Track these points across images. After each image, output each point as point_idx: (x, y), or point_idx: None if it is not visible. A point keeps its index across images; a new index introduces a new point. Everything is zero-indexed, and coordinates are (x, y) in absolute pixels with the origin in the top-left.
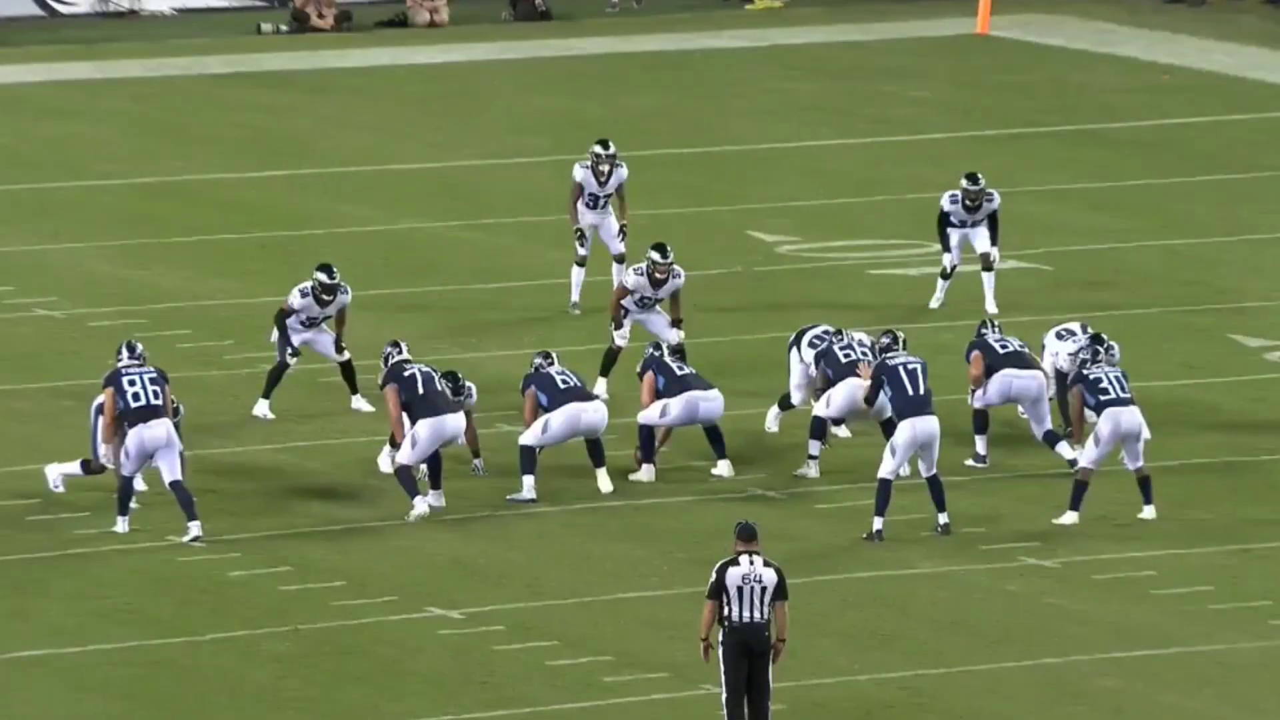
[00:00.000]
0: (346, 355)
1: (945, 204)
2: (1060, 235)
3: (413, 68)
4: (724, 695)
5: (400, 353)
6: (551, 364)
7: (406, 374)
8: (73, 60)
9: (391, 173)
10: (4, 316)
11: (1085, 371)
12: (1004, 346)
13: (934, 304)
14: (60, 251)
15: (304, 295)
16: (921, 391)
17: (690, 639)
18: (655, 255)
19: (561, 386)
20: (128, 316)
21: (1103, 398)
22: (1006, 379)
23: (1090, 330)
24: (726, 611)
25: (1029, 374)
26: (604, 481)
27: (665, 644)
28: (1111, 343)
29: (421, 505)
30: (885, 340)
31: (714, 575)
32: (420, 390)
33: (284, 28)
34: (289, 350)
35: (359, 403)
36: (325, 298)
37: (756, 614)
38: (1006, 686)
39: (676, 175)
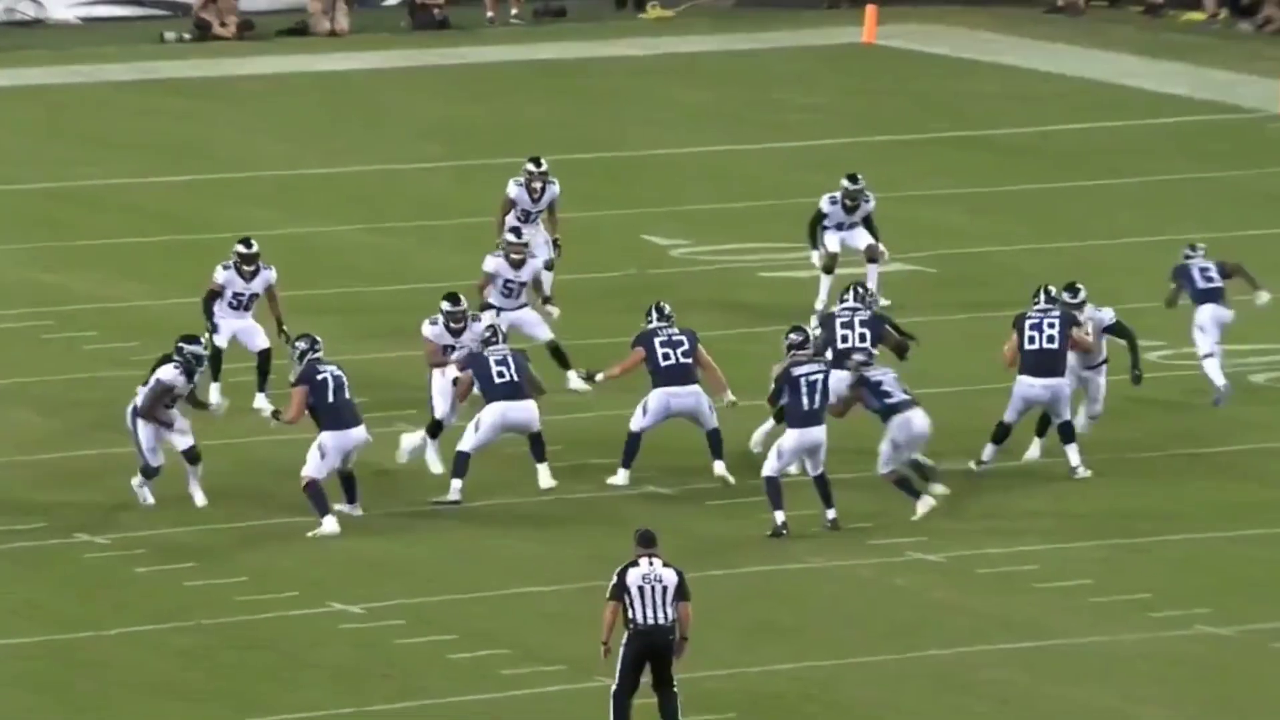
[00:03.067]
0: (266, 343)
1: (824, 206)
2: (945, 238)
3: (314, 75)
4: (613, 688)
5: (315, 351)
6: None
7: (319, 377)
8: None
9: (295, 177)
10: None
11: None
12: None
13: (819, 305)
14: None
15: (226, 269)
16: (816, 405)
17: (585, 633)
18: (510, 236)
19: (497, 380)
20: (36, 318)
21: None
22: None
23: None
24: (630, 614)
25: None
26: (545, 478)
27: (562, 637)
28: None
29: (330, 524)
30: (796, 338)
31: (615, 578)
32: (330, 398)
33: (187, 36)
34: (210, 328)
35: (261, 402)
36: (246, 268)
37: (660, 615)
38: (894, 678)
39: (572, 181)
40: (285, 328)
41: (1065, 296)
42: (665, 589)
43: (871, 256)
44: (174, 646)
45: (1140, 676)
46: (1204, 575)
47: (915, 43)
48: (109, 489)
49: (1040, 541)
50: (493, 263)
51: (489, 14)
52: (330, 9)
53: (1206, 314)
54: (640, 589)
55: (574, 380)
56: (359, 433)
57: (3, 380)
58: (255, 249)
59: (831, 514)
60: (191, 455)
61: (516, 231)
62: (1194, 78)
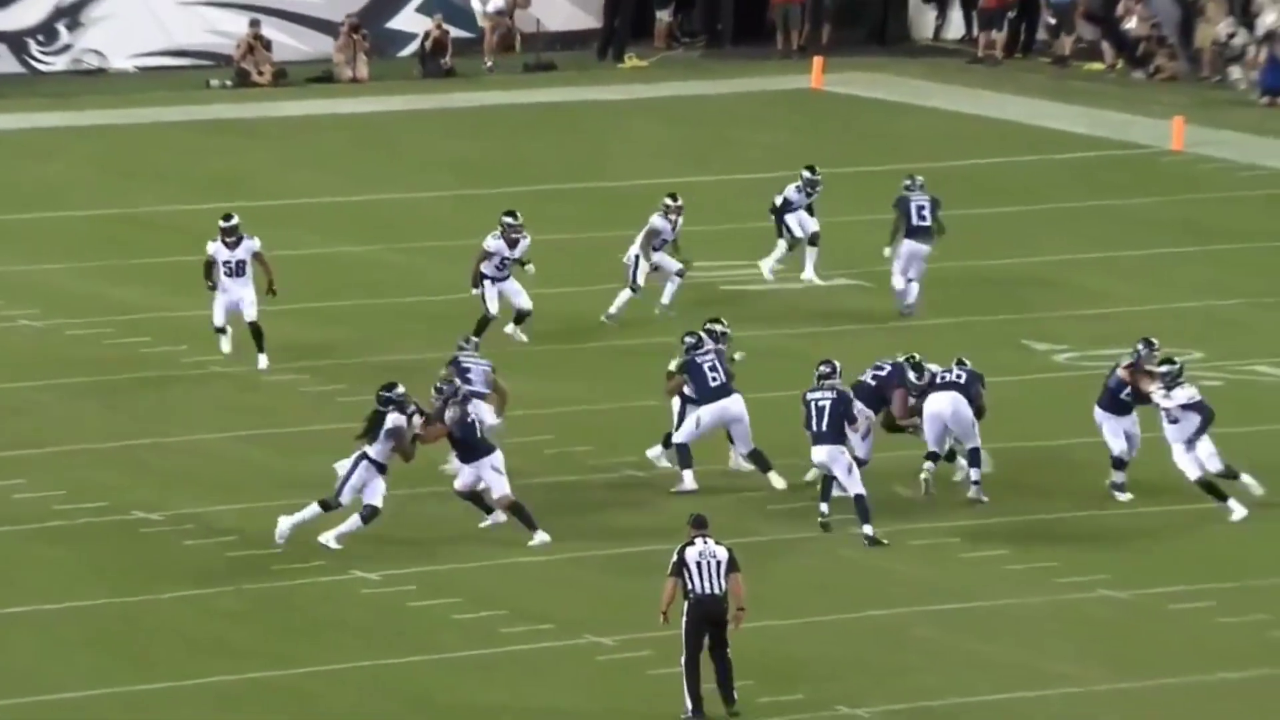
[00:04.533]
0: (255, 313)
1: (790, 193)
2: (881, 258)
3: (338, 116)
4: (683, 658)
5: (458, 394)
6: (704, 348)
7: (451, 415)
8: (50, 110)
9: (323, 204)
10: None
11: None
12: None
13: (805, 276)
14: (40, 271)
15: (213, 242)
16: (825, 427)
17: (575, 595)
18: (508, 219)
19: (712, 384)
20: (102, 325)
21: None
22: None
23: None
24: (690, 587)
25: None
26: (777, 480)
27: (552, 600)
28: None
29: (541, 535)
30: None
31: (675, 556)
32: (460, 434)
33: (228, 83)
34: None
35: (264, 362)
36: (228, 240)
37: (715, 587)
38: (842, 634)
39: (562, 207)
40: (274, 288)
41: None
42: (719, 563)
43: (813, 240)
44: (220, 609)
45: (1048, 634)
46: (1104, 547)
47: (856, 88)
48: (161, 472)
49: (964, 519)
50: (494, 243)
51: (488, 63)
52: (352, 59)
53: (909, 248)
54: (697, 564)
55: None
56: (495, 457)
57: (74, 378)
58: (235, 221)
59: (869, 530)
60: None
61: (513, 214)
62: (1095, 119)
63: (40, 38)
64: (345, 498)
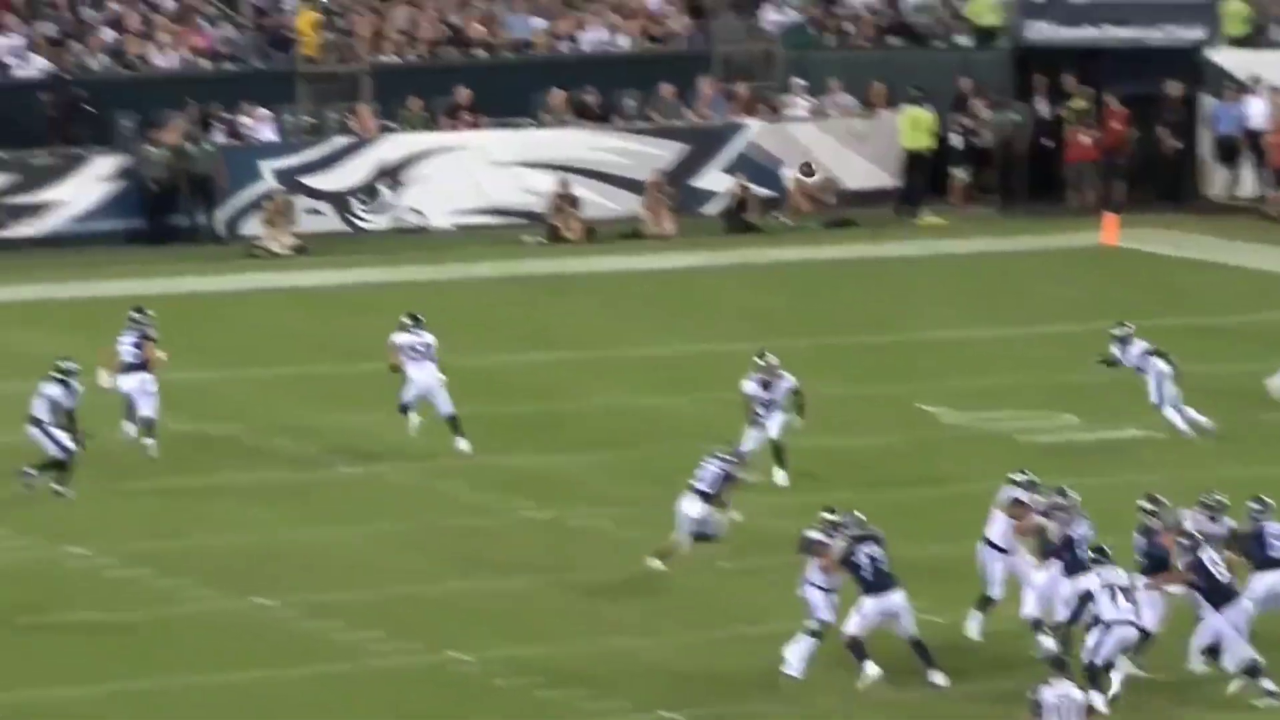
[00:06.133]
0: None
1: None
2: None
3: (645, 271)
4: None
5: (853, 534)
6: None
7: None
8: (371, 267)
9: (626, 356)
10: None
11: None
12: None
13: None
14: (369, 421)
15: (399, 331)
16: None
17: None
18: (757, 359)
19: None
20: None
21: None
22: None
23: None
24: None
25: None
26: (938, 677)
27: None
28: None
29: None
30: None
31: (1030, 694)
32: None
33: (541, 239)
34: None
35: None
36: (407, 334)
37: None
38: None
39: (856, 358)
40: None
41: (1253, 507)
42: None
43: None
44: None
45: None
46: None
47: (1149, 244)
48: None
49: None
50: (749, 385)
51: (789, 221)
52: (659, 216)
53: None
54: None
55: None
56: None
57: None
58: (419, 318)
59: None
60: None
61: (762, 354)
62: None
63: (363, 197)
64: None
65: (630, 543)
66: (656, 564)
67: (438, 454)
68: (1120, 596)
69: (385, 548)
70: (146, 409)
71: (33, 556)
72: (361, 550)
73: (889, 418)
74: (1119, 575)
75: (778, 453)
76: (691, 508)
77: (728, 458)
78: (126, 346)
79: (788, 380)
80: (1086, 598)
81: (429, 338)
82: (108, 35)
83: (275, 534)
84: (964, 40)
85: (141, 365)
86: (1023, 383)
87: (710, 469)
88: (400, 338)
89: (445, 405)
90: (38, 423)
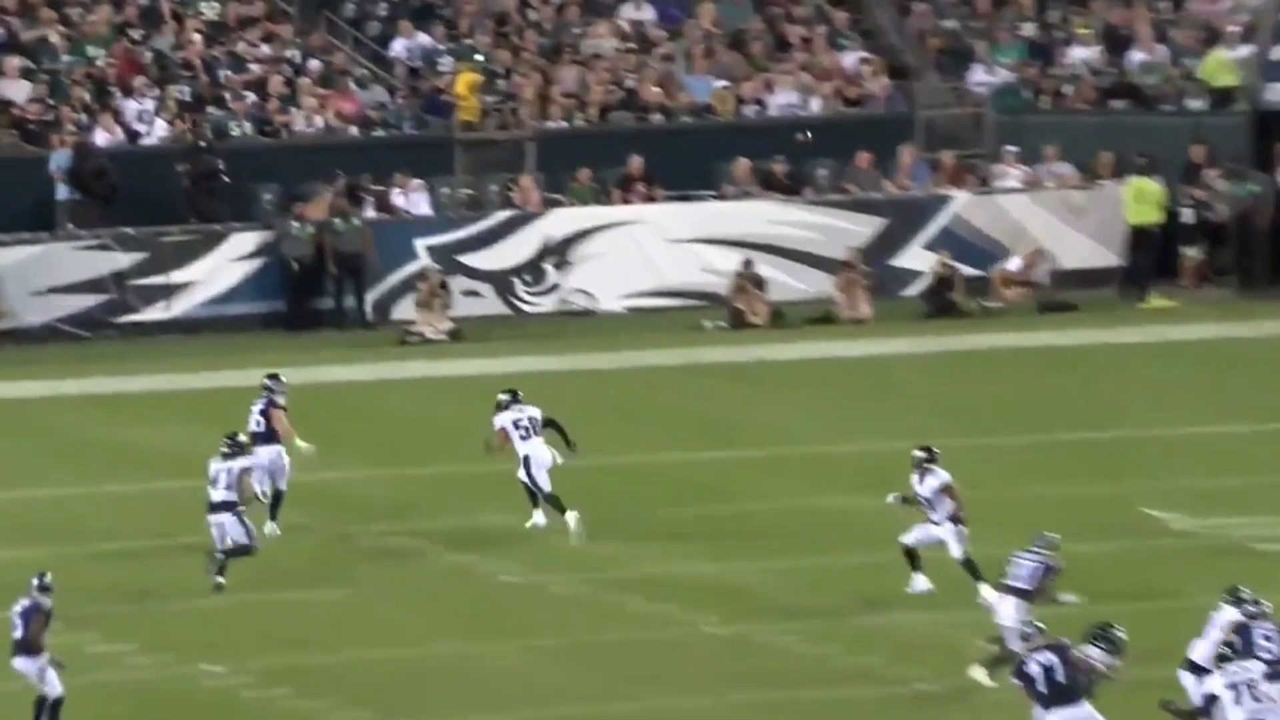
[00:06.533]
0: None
1: None
2: None
3: (837, 359)
4: None
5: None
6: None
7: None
8: (535, 355)
9: (814, 453)
10: None
11: None
12: None
13: None
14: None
15: (502, 409)
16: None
17: None
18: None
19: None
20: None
21: None
22: None
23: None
24: None
25: None
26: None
27: None
28: None
29: None
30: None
31: None
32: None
33: (723, 324)
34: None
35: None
36: (510, 412)
37: None
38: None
39: (1073, 458)
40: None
41: None
42: None
43: None
44: None
45: None
46: None
47: None
48: None
49: None
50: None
51: (1000, 304)
52: (853, 298)
53: None
54: None
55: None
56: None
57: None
58: (518, 393)
59: None
60: None
61: (922, 456)
62: None
63: (526, 277)
64: None
65: (818, 658)
66: (981, 676)
67: (605, 563)
68: None
69: (545, 662)
70: (280, 483)
71: (162, 676)
72: (519, 666)
73: (1109, 522)
74: None
75: (971, 569)
76: (1009, 609)
77: (1044, 550)
78: (254, 415)
79: (939, 476)
80: None
81: (534, 411)
82: (247, 99)
83: (428, 647)
84: (1196, 104)
85: (270, 436)
86: (1260, 484)
87: (1026, 563)
88: (504, 417)
89: (546, 484)
90: (229, 506)
